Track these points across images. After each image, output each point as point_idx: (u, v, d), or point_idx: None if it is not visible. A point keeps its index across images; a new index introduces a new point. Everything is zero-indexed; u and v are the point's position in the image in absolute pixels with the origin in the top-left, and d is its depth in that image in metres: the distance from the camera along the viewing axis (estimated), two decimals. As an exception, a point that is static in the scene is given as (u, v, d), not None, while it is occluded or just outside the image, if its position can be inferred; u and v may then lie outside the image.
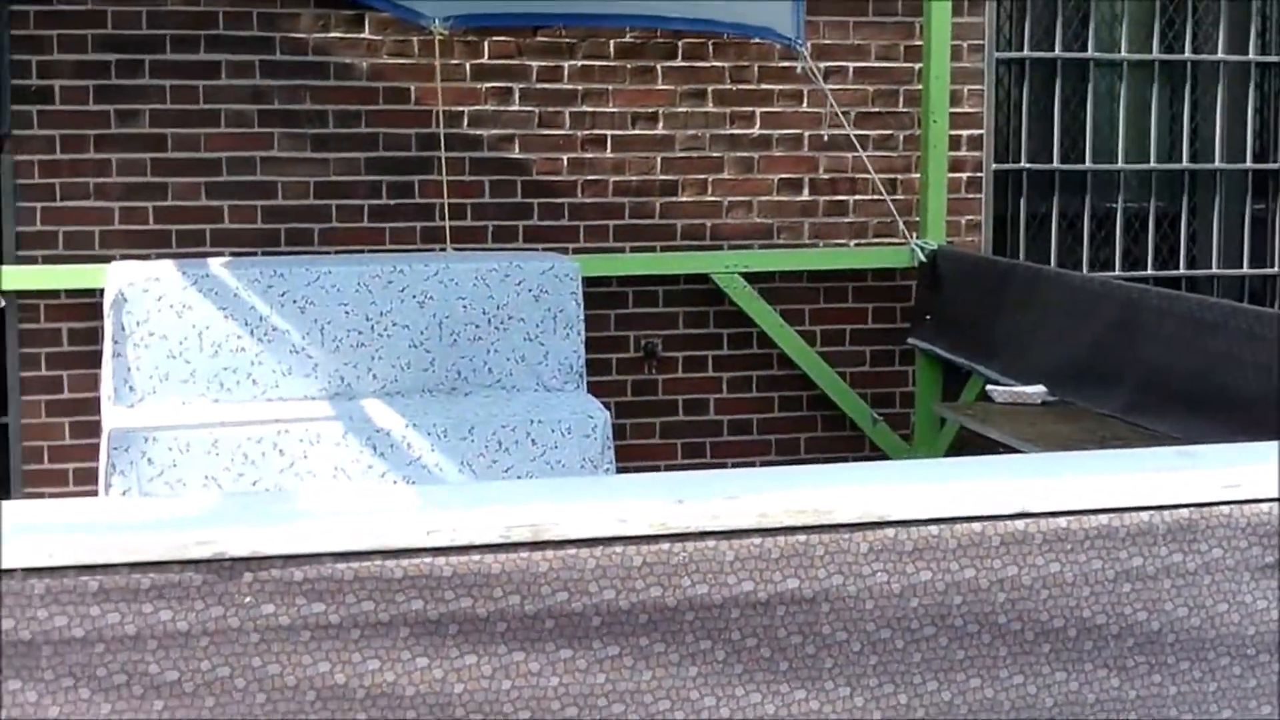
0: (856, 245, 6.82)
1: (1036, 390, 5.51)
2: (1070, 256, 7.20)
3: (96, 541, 2.02)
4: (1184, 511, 2.39)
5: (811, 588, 2.24)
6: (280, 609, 2.07)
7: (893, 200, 6.72)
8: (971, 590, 2.30)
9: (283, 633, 2.07)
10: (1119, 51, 7.20)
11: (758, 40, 6.61)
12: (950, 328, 6.40)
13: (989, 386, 5.72)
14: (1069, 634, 2.36)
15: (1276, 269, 7.42)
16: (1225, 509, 2.42)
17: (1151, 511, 2.40)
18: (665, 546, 2.20)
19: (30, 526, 2.04)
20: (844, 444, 6.82)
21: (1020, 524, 2.34)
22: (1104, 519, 2.37)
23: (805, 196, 6.78)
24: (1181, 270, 7.32)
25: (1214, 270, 7.35)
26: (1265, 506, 2.43)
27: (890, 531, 2.28)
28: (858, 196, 6.80)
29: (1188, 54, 7.25)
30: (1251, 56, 7.31)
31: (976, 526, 2.32)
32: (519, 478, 5.42)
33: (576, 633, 2.15)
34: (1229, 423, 4.64)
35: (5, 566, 1.99)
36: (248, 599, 2.06)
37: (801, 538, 2.25)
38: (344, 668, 2.08)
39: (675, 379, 6.73)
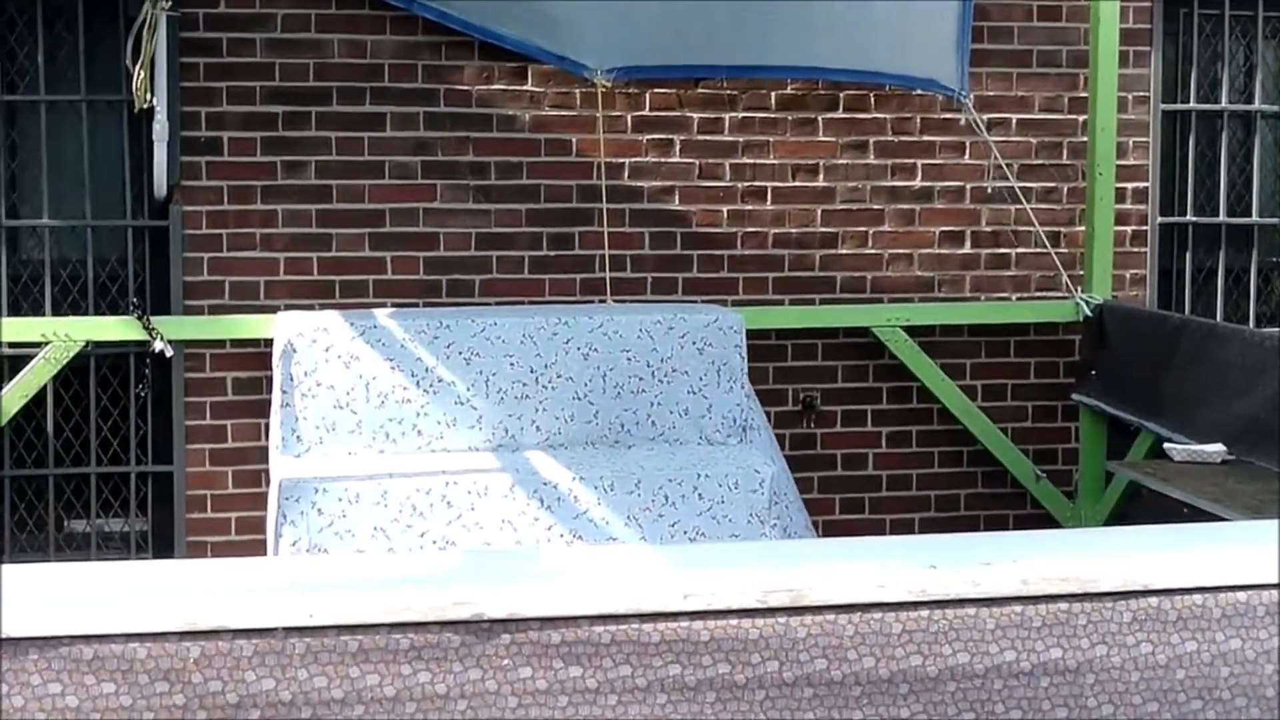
0: (1019, 299, 6.72)
1: (1215, 449, 5.37)
2: (1236, 311, 7.05)
3: (356, 600, 2.00)
4: None
5: (1075, 658, 2.17)
6: (537, 672, 2.03)
7: (1056, 253, 6.61)
8: (1238, 662, 2.22)
9: (540, 697, 2.03)
10: (1286, 103, 7.07)
11: (920, 92, 6.54)
12: (1118, 384, 6.27)
13: (1166, 445, 5.59)
14: (1336, 708, 2.26)
15: None
16: None
17: None
18: (924, 613, 2.14)
19: (292, 585, 2.02)
20: (1005, 501, 6.70)
21: (1286, 593, 2.25)
22: (1370, 589, 2.28)
23: (967, 249, 6.69)
24: (1350, 326, 7.15)
25: (1383, 326, 7.18)
26: None
27: (1154, 600, 2.20)
28: (1020, 249, 6.70)
29: (1356, 105, 7.11)
30: None
31: (1241, 595, 2.23)
32: (685, 533, 5.37)
33: (836, 702, 2.09)
34: None
35: (265, 625, 1.97)
36: (505, 661, 2.02)
37: (1064, 606, 2.18)
38: (603, 734, 2.04)
39: (834, 433, 6.65)
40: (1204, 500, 4.91)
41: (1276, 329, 6.89)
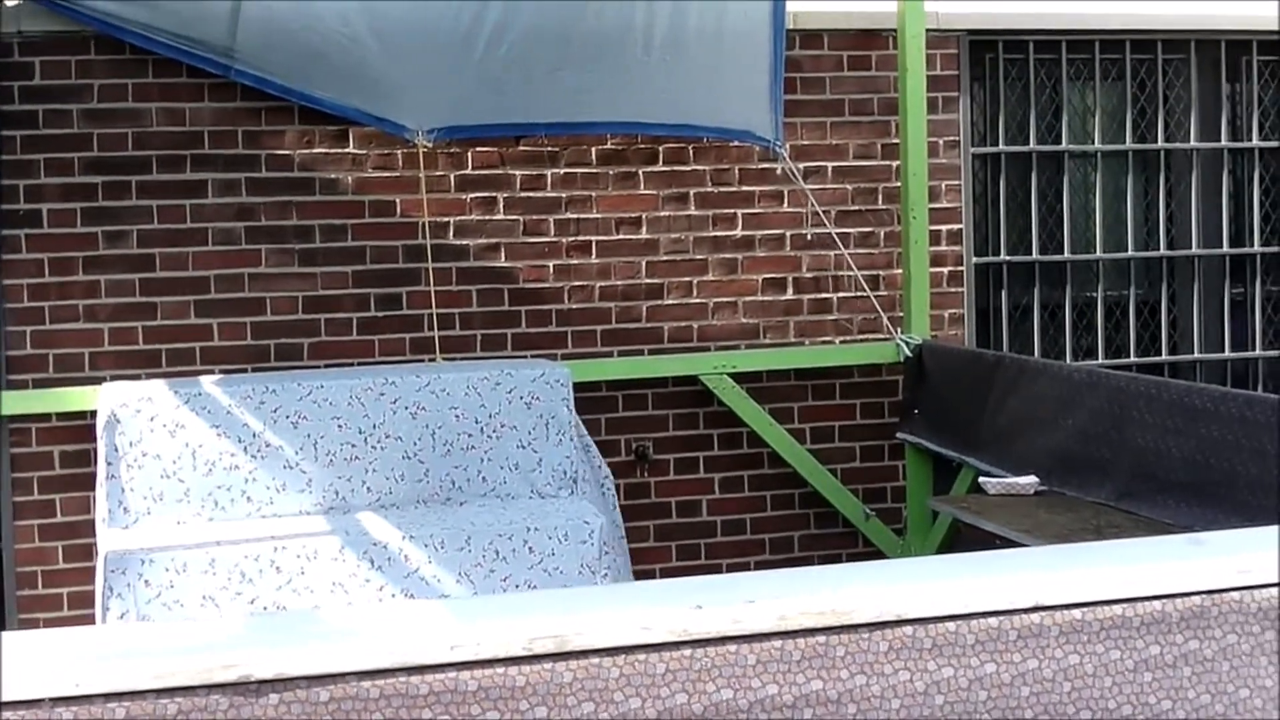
0: (842, 342, 6.87)
1: (1029, 481, 5.53)
2: (1053, 347, 7.26)
3: (123, 668, 2.03)
4: (1196, 599, 2.41)
5: (835, 689, 2.25)
6: (308, 729, 2.07)
7: (876, 296, 6.78)
8: (995, 685, 2.31)
9: (310, 753, 2.07)
10: (1092, 143, 7.30)
11: (737, 143, 6.69)
12: (939, 421, 6.44)
13: (981, 479, 5.74)
14: (1093, 727, 2.36)
15: (1258, 352, 7.48)
16: (1236, 595, 2.44)
17: (1164, 600, 2.41)
18: (687, 652, 2.21)
19: (56, 655, 2.05)
20: (837, 541, 6.83)
21: (1036, 617, 2.35)
22: (1118, 609, 2.39)
23: (790, 295, 6.83)
24: (1164, 357, 7.38)
25: (1196, 355, 7.42)
26: (1275, 591, 2.45)
27: (908, 629, 2.29)
28: (841, 294, 6.86)
29: (1160, 143, 7.35)
30: (1224, 143, 7.42)
31: (993, 621, 2.33)
32: (517, 586, 5.41)
33: (603, 743, 2.16)
34: (1223, 508, 4.66)
35: (32, 697, 1.99)
36: (276, 721, 2.06)
37: (821, 639, 2.26)
38: (373, 787, 2.08)
39: (667, 481, 6.74)
40: (1014, 531, 5.06)
41: (1088, 362, 7.11)
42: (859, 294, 6.80)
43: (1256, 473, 4.56)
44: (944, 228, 6.94)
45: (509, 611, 2.23)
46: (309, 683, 2.07)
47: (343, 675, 2.08)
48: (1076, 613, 2.36)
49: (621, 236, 6.68)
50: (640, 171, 6.69)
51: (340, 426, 5.73)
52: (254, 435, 5.66)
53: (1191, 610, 2.42)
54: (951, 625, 2.30)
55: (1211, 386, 5.64)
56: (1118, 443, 5.23)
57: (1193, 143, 7.40)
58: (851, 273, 6.78)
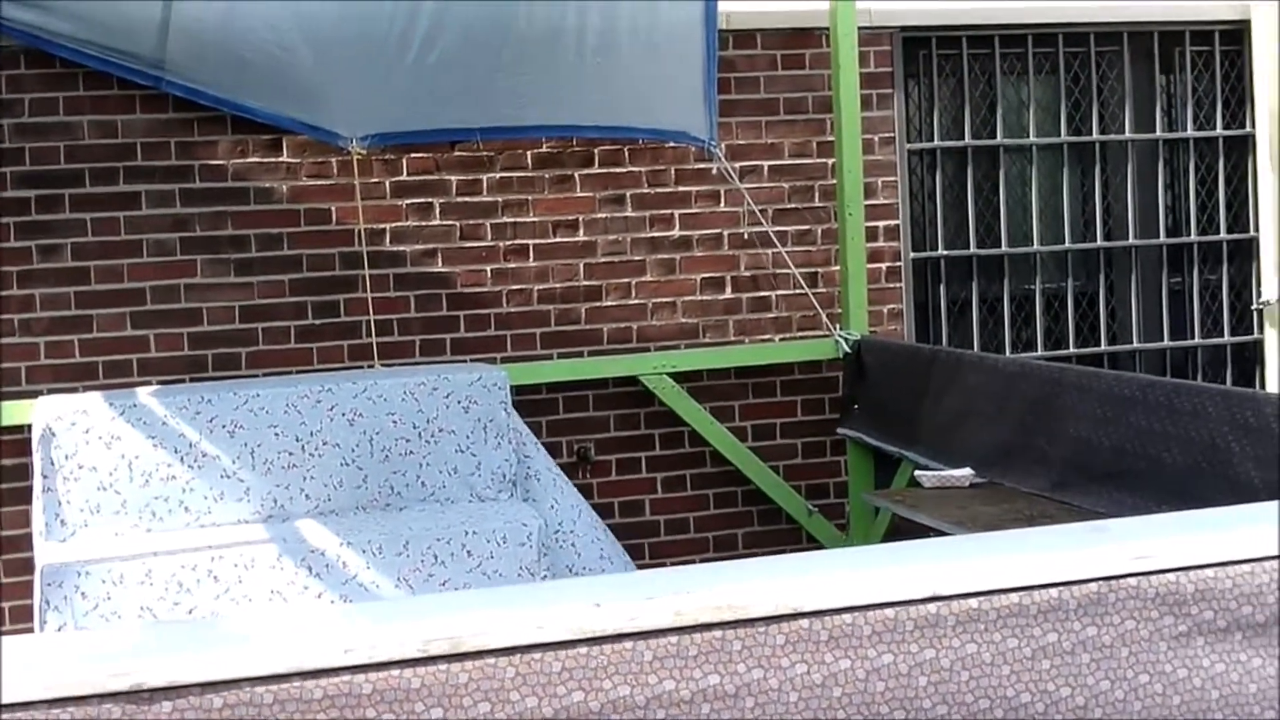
0: (781, 340, 6.89)
1: (964, 473, 5.56)
2: (993, 340, 7.30)
3: (12, 679, 2.03)
4: (1093, 586, 2.43)
5: (733, 683, 2.26)
6: (201, 737, 2.07)
7: (814, 293, 6.81)
8: (892, 676, 2.33)
9: (204, 761, 2.07)
10: (1027, 136, 7.34)
11: (673, 144, 6.70)
12: (878, 416, 6.47)
13: (917, 472, 5.78)
14: (995, 714, 2.38)
15: (1196, 341, 7.54)
16: (1134, 580, 2.45)
17: (1060, 587, 2.43)
18: (584, 650, 2.21)
19: (-54, 668, 2.05)
20: (781, 537, 6.85)
21: (932, 607, 2.37)
22: (1014, 597, 2.41)
23: (728, 294, 6.85)
24: (1103, 347, 7.43)
25: (1135, 345, 7.47)
26: (1173, 576, 2.47)
27: (804, 623, 2.30)
28: (780, 292, 6.88)
29: (1095, 135, 7.40)
30: (1159, 134, 7.47)
31: (889, 612, 2.34)
32: (456, 589, 5.42)
33: (500, 743, 2.16)
34: (1153, 496, 4.70)
35: (-79, 711, 2.00)
36: (173, 730, 2.06)
37: (718, 634, 2.27)
38: (268, 794, 2.08)
39: (610, 482, 6.75)
40: (948, 524, 5.09)
41: (1025, 354, 7.15)
42: (797, 291, 6.83)
43: (1183, 460, 4.60)
44: (881, 224, 6.97)
45: (403, 614, 2.24)
46: (202, 689, 2.07)
47: (236, 681, 2.08)
48: (973, 602, 2.38)
49: (559, 239, 6.69)
50: (576, 174, 6.70)
51: (277, 435, 5.73)
52: (190, 445, 5.65)
53: (1089, 597, 2.43)
54: (848, 617, 2.31)
55: (1139, 375, 5.70)
56: (1052, 433, 5.27)
57: (1128, 134, 7.45)
58: (789, 270, 6.80)
